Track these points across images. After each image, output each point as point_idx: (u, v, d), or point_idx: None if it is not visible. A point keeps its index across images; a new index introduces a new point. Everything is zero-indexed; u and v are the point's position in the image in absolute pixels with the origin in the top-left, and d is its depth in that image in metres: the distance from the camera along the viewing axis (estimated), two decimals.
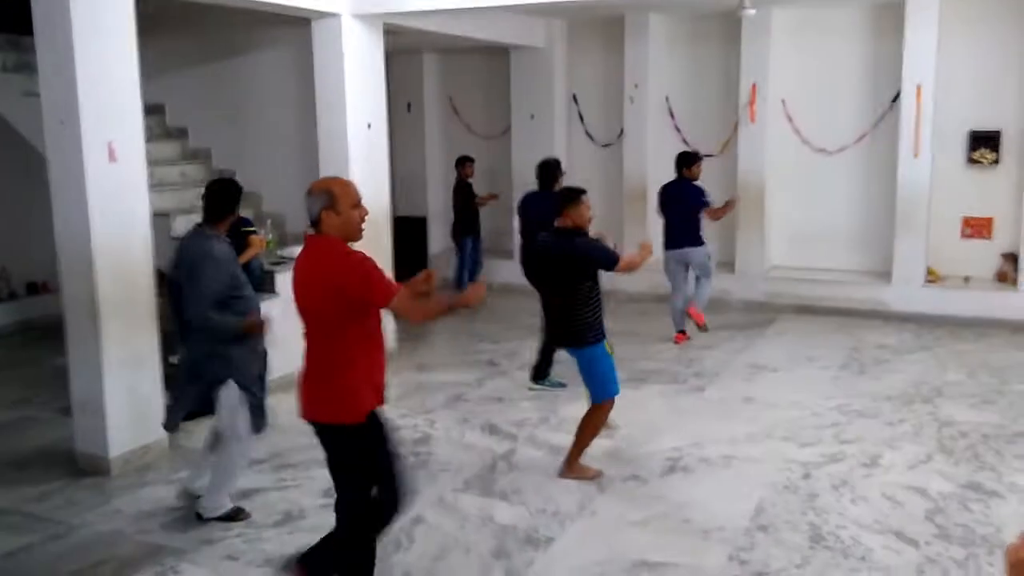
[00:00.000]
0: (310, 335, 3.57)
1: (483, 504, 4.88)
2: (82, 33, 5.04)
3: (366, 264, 3.42)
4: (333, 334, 3.47)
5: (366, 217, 3.57)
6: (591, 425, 5.16)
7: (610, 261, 5.04)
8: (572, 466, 5.19)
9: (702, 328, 8.09)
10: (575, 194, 5.14)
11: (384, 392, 3.72)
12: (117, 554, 4.40)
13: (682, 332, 8.17)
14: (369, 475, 3.61)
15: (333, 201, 3.46)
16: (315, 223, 3.50)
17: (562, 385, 6.72)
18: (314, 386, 3.56)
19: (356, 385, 3.54)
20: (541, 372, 6.89)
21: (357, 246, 3.54)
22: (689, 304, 8.09)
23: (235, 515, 4.72)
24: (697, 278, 8.16)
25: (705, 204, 7.87)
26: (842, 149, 9.58)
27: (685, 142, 10.03)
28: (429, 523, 4.66)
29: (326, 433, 3.61)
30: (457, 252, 10.15)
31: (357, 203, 3.52)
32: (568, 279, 5.02)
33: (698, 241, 7.96)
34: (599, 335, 5.05)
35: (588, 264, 5.04)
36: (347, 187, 3.56)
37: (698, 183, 7.95)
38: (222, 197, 4.67)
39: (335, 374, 3.52)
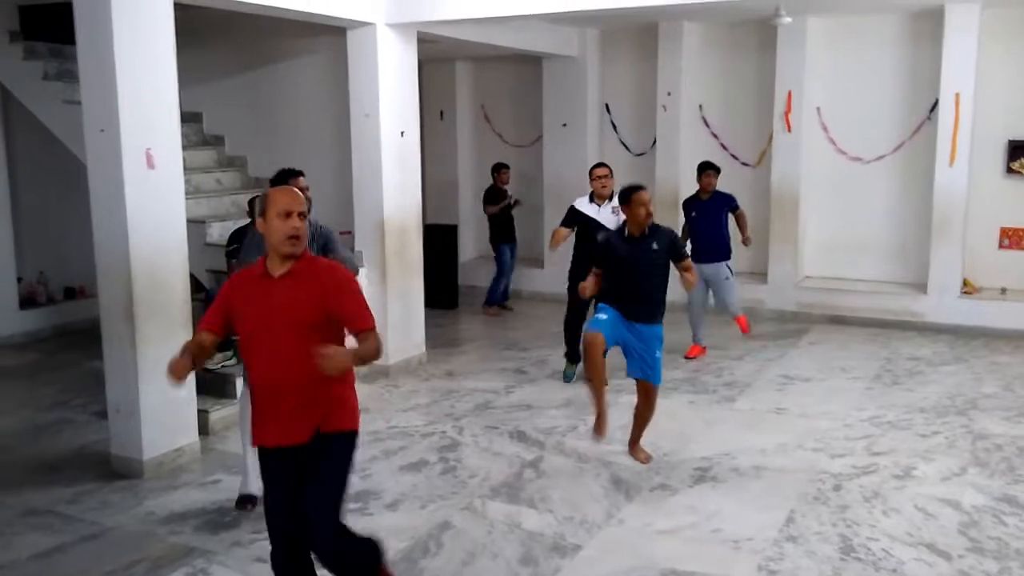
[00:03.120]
0: (289, 352, 3.29)
1: (511, 511, 4.88)
2: (123, 42, 5.14)
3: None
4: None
5: (299, 231, 3.28)
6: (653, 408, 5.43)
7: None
8: (636, 447, 5.51)
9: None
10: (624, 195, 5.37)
11: None
12: (149, 555, 4.45)
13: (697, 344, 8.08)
14: None
15: (263, 207, 3.32)
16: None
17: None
18: (310, 403, 3.35)
19: (353, 392, 3.53)
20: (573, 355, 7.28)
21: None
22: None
23: (241, 501, 4.88)
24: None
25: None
26: (879, 158, 9.49)
27: (724, 147, 10.02)
28: (457, 529, 4.67)
29: (335, 447, 3.42)
30: (496, 260, 10.16)
31: (286, 213, 3.26)
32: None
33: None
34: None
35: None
36: (281, 195, 3.34)
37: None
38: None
39: (337, 380, 3.37)
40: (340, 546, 3.44)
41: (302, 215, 3.32)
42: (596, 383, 5.16)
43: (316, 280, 3.34)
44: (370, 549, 3.64)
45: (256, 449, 3.55)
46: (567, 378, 7.38)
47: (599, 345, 5.07)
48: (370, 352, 3.33)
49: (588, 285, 5.38)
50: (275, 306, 3.30)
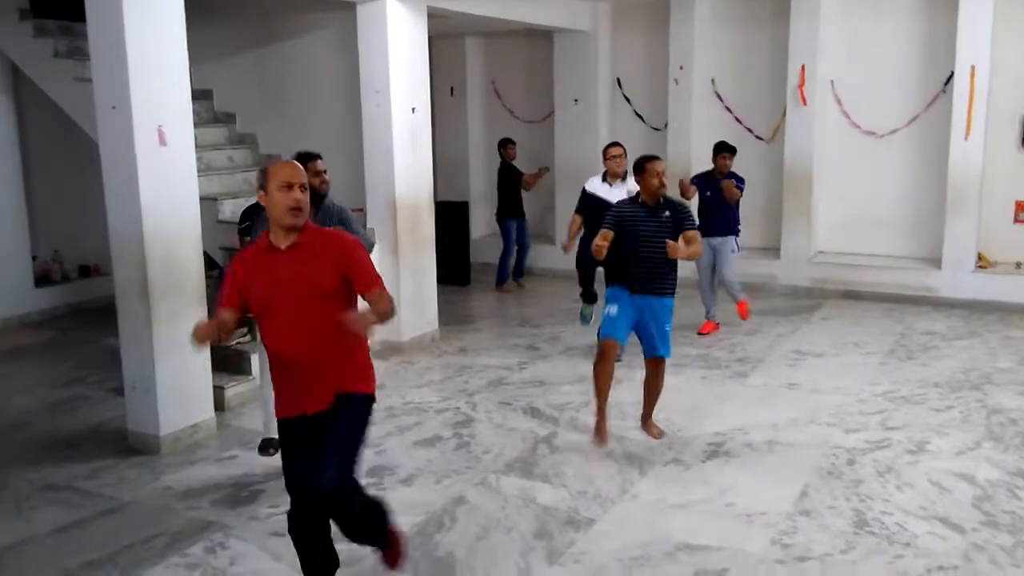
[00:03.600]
0: (304, 323, 3.35)
1: (524, 486, 4.91)
2: (133, 19, 5.13)
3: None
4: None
5: (300, 203, 3.31)
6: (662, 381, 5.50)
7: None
8: (648, 422, 5.58)
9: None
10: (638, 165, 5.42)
11: None
12: (167, 529, 4.50)
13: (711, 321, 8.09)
14: None
15: (264, 180, 3.35)
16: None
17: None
18: (332, 372, 3.42)
19: (369, 361, 3.60)
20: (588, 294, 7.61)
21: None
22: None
23: (263, 446, 5.08)
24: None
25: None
26: (893, 132, 9.41)
27: (738, 121, 9.97)
28: (471, 504, 4.70)
29: (352, 404, 3.47)
30: (503, 236, 10.15)
31: (287, 185, 3.30)
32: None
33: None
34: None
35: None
36: (282, 167, 3.38)
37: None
38: None
39: (346, 347, 3.43)
40: (350, 495, 3.46)
41: (303, 187, 3.35)
42: (602, 388, 5.29)
43: (325, 248, 3.38)
44: (379, 506, 3.70)
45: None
46: (584, 319, 7.75)
47: (614, 350, 5.24)
48: (386, 309, 3.39)
49: (603, 245, 5.24)
50: (285, 279, 3.33)
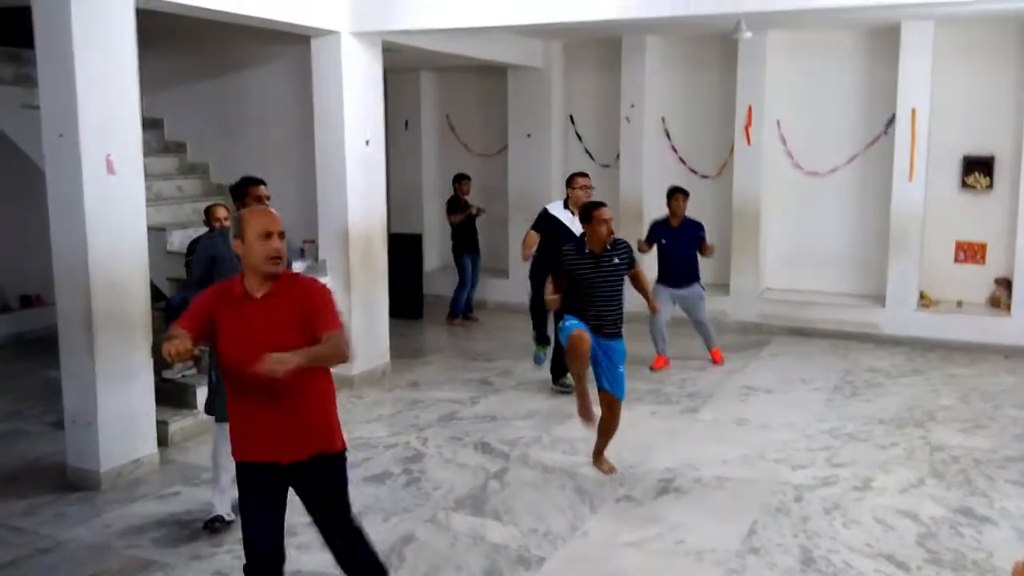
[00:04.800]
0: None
1: (475, 523, 4.86)
2: (82, 46, 5.07)
3: None
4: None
5: (280, 252, 3.27)
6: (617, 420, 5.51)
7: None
8: (600, 458, 5.57)
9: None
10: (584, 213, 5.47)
11: None
12: (106, 568, 4.38)
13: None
14: None
15: (241, 229, 3.26)
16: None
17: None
18: (308, 421, 3.37)
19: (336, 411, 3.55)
20: (559, 372, 7.22)
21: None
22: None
23: (210, 522, 4.74)
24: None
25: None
26: (834, 170, 9.64)
27: (682, 161, 10.12)
28: (420, 541, 4.65)
29: (329, 464, 3.43)
30: (458, 271, 10.13)
31: (266, 234, 3.23)
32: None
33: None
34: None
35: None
36: (260, 216, 3.30)
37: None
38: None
39: (327, 401, 3.45)
40: (365, 536, 3.55)
41: (282, 235, 3.29)
42: (580, 369, 5.25)
43: (297, 300, 3.31)
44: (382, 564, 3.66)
45: (232, 470, 3.53)
46: (538, 360, 7.68)
47: (587, 340, 5.14)
48: (326, 352, 3.23)
49: (553, 299, 5.41)
50: (256, 331, 3.24)
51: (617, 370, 5.36)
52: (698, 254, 8.00)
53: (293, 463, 3.35)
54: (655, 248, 8.05)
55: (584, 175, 7.20)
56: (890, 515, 4.95)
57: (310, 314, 3.29)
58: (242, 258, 3.29)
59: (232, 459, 3.47)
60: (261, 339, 3.19)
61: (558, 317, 5.65)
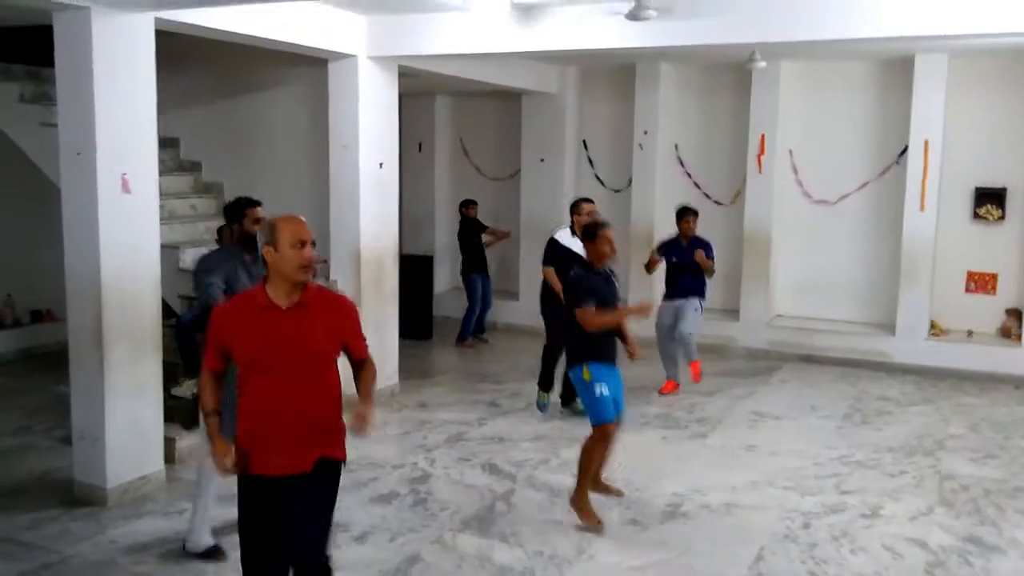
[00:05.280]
0: (300, 383, 3.32)
1: (481, 545, 4.85)
2: (102, 65, 5.13)
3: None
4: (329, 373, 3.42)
5: (312, 261, 3.31)
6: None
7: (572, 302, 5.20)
8: (576, 501, 5.17)
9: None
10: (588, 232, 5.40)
11: None
12: None
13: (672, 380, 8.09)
14: None
15: (273, 236, 3.28)
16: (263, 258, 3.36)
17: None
18: (317, 428, 3.38)
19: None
20: (571, 394, 7.09)
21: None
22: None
23: (211, 553, 4.65)
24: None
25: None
26: (844, 197, 9.65)
27: (697, 186, 10.15)
28: (426, 562, 4.63)
29: (334, 474, 3.45)
30: (467, 292, 10.16)
31: (300, 242, 3.26)
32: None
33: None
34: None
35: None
36: (293, 224, 3.31)
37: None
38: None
39: (335, 411, 3.45)
40: (329, 569, 3.45)
41: (313, 243, 3.34)
42: (597, 470, 5.25)
43: (328, 313, 3.37)
44: None
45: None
46: (542, 407, 7.36)
47: (614, 432, 5.19)
48: (373, 382, 3.50)
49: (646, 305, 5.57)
50: (285, 339, 3.26)
51: (621, 393, 5.28)
52: (704, 273, 7.90)
53: (297, 474, 3.33)
54: (662, 264, 8.04)
55: (590, 201, 7.17)
56: (899, 543, 4.91)
57: (349, 337, 3.42)
58: (271, 265, 3.30)
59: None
60: (290, 348, 3.26)
61: (571, 356, 5.32)
